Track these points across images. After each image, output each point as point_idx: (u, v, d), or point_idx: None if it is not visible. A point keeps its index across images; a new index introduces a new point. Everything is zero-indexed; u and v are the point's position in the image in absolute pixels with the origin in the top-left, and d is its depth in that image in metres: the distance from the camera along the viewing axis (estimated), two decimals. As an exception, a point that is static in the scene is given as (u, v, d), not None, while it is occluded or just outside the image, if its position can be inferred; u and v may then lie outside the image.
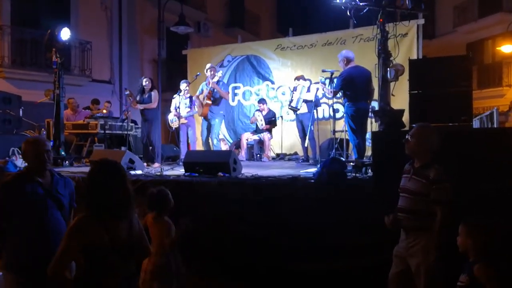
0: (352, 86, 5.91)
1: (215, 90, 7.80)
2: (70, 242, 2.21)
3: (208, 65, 8.17)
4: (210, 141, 8.05)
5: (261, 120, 8.69)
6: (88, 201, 2.28)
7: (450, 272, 2.62)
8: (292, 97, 7.92)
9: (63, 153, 7.15)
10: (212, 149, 7.87)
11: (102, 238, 2.18)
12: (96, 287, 2.21)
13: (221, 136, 9.77)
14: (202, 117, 8.09)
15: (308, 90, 7.76)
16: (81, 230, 2.21)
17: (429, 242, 2.82)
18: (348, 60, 6.14)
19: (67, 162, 7.13)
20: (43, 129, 8.26)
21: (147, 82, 7.52)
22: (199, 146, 9.40)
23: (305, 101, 7.67)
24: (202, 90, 7.99)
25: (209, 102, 7.80)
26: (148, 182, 4.98)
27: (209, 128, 7.97)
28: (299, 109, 7.74)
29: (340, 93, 6.29)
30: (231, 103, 10.03)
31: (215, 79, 7.79)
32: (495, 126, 7.94)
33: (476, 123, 8.23)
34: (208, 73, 7.92)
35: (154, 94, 7.48)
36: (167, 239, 3.29)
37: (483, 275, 2.21)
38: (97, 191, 2.26)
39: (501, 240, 2.29)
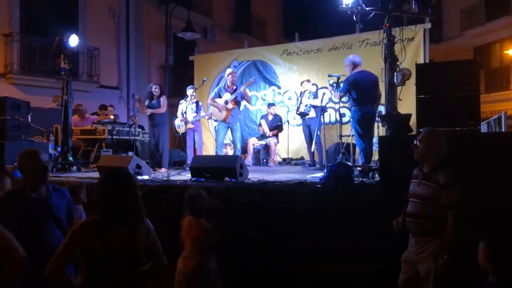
0: (358, 90, 5.90)
1: (244, 95, 7.83)
2: (68, 243, 2.25)
3: (229, 70, 8.19)
4: (227, 146, 8.13)
5: (266, 128, 8.74)
6: (98, 208, 2.29)
7: (459, 276, 2.60)
8: (300, 102, 7.92)
9: (71, 158, 7.20)
10: (235, 153, 7.81)
11: (95, 245, 2.18)
12: None
13: (226, 141, 9.79)
14: (222, 121, 7.90)
15: (315, 96, 7.77)
16: (79, 235, 2.24)
17: (439, 247, 2.80)
18: (354, 65, 6.13)
19: (75, 167, 7.18)
20: (51, 134, 8.33)
21: (156, 89, 7.57)
22: (205, 151, 9.43)
23: (313, 106, 7.69)
24: (218, 94, 7.92)
25: (235, 106, 7.76)
26: (155, 187, 5.00)
27: (225, 132, 7.93)
28: (308, 114, 7.75)
29: (346, 97, 6.28)
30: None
31: (248, 84, 7.90)
32: (503, 130, 7.88)
33: (484, 127, 8.17)
34: (230, 78, 7.89)
35: (163, 100, 7.52)
36: (203, 242, 3.24)
37: None
38: (103, 200, 2.27)
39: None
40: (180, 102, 8.30)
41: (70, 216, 2.98)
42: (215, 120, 10.09)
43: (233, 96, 7.72)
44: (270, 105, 9.02)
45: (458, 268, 2.61)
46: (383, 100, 5.79)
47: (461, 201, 2.80)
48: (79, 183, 4.41)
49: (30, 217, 2.68)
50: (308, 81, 8.11)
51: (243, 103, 8.24)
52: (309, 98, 7.76)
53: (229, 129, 7.87)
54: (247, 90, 7.86)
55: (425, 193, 2.92)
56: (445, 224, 2.79)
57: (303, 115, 7.88)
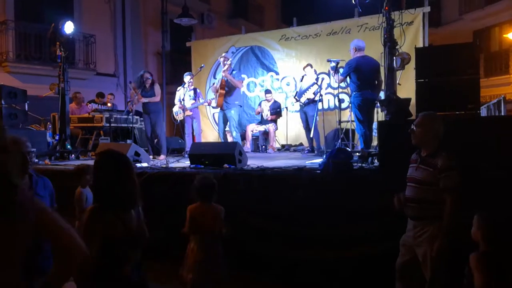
0: (359, 74, 5.86)
1: (228, 80, 7.61)
2: (92, 237, 2.13)
3: (223, 54, 8.08)
4: (228, 132, 7.93)
5: (267, 111, 8.66)
6: (97, 193, 2.28)
7: (457, 259, 2.61)
8: (306, 91, 7.81)
9: (69, 146, 7.18)
10: (232, 140, 7.67)
11: (118, 228, 2.18)
12: (113, 276, 2.20)
13: (226, 128, 9.76)
14: (219, 108, 7.82)
15: (317, 92, 7.61)
16: (99, 221, 2.19)
17: (436, 231, 2.81)
18: (357, 49, 6.08)
19: (73, 155, 7.16)
20: (48, 123, 8.30)
21: (148, 78, 7.39)
22: (204, 138, 9.41)
23: (311, 100, 7.65)
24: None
25: (223, 91, 7.54)
26: (154, 175, 4.99)
27: (225, 119, 7.78)
28: (306, 105, 7.72)
29: (345, 82, 6.24)
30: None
31: (225, 67, 7.60)
32: (502, 114, 7.86)
33: (483, 112, 8.15)
34: (221, 63, 7.78)
35: (157, 88, 7.44)
36: (214, 226, 3.29)
37: (472, 264, 2.24)
38: (105, 183, 2.25)
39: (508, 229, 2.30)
40: (178, 89, 8.26)
41: (52, 206, 2.92)
42: (213, 107, 10.08)
43: (219, 81, 7.61)
44: (266, 91, 8.95)
45: (456, 252, 2.62)
46: (383, 86, 5.76)
47: (460, 185, 2.80)
48: (86, 165, 4.42)
49: None
50: (311, 66, 8.04)
51: (242, 89, 8.18)
52: (314, 94, 7.65)
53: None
54: (228, 74, 7.54)
55: (422, 177, 2.92)
56: (443, 208, 2.80)
57: (301, 104, 7.84)
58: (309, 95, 7.71)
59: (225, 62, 7.68)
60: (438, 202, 2.82)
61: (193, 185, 3.39)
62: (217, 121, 10.29)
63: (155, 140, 7.38)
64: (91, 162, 6.22)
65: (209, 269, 3.22)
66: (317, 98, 7.50)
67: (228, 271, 3.35)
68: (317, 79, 7.92)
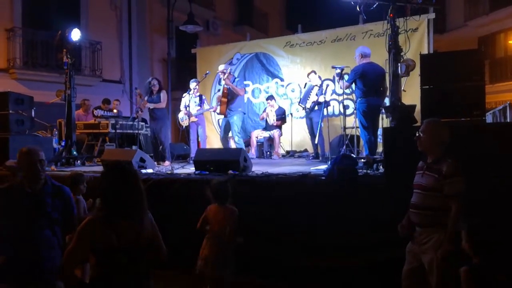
0: (365, 81, 5.88)
1: (230, 88, 7.68)
2: (79, 242, 2.23)
3: (221, 67, 8.08)
4: (231, 138, 7.95)
5: (272, 116, 8.67)
6: (102, 202, 2.32)
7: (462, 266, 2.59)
8: (308, 95, 7.83)
9: (75, 152, 7.22)
10: (234, 146, 7.73)
11: (110, 239, 2.20)
12: (105, 286, 2.23)
13: (230, 134, 9.77)
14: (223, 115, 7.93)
15: (321, 93, 7.67)
16: (91, 231, 2.23)
17: (442, 238, 2.79)
18: (363, 56, 6.10)
19: (79, 161, 7.20)
20: (55, 129, 8.35)
21: (155, 84, 7.49)
22: (209, 144, 9.42)
23: (316, 103, 7.65)
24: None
25: (225, 99, 7.66)
26: (159, 181, 5.00)
27: (227, 126, 7.83)
28: (312, 110, 7.72)
29: (350, 89, 6.25)
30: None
31: (225, 76, 7.68)
32: (508, 120, 7.84)
33: (489, 118, 8.13)
34: (221, 77, 7.84)
35: (163, 95, 7.50)
36: (226, 229, 3.47)
37: (462, 278, 2.23)
38: (109, 194, 2.29)
39: (498, 242, 2.27)
40: (183, 95, 8.29)
41: (68, 214, 3.02)
42: (218, 114, 10.11)
43: (221, 90, 7.68)
44: (269, 98, 8.93)
45: (462, 259, 2.60)
46: (388, 93, 5.76)
47: (465, 191, 2.78)
48: (80, 174, 4.44)
49: (22, 211, 2.77)
50: (315, 72, 8.05)
51: (246, 96, 8.20)
52: (317, 95, 7.69)
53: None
54: (229, 81, 7.62)
55: (427, 183, 2.91)
56: (448, 215, 2.78)
57: (307, 110, 7.84)
58: (312, 98, 7.72)
59: (224, 73, 7.71)
60: (443, 208, 2.80)
61: (209, 187, 3.64)
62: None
63: (160, 146, 7.41)
64: (97, 168, 6.27)
65: (215, 265, 3.38)
66: (321, 100, 7.50)
67: (235, 272, 3.50)
68: (321, 85, 7.92)
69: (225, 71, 7.76)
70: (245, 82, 10.16)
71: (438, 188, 2.84)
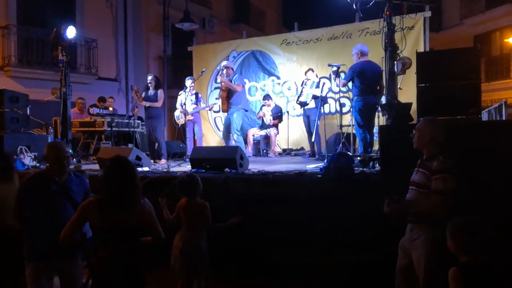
0: (362, 79, 5.90)
1: (225, 83, 7.59)
2: (76, 216, 2.72)
3: (224, 63, 7.97)
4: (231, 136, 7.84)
5: (269, 115, 8.67)
6: (102, 190, 2.69)
7: (452, 265, 2.59)
8: (301, 91, 7.86)
9: (70, 151, 7.18)
10: (234, 144, 7.64)
11: (95, 220, 2.63)
12: (102, 261, 2.64)
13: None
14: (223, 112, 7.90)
15: (317, 86, 7.70)
16: (85, 210, 2.69)
17: (431, 236, 2.80)
18: (361, 54, 6.12)
19: (74, 159, 7.17)
20: (50, 127, 8.31)
21: (152, 80, 7.52)
22: (205, 142, 9.41)
23: (314, 96, 7.64)
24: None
25: (223, 95, 7.61)
26: (155, 179, 4.99)
27: (227, 123, 7.68)
28: (308, 104, 7.71)
29: (346, 87, 6.26)
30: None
31: (224, 71, 7.60)
32: (503, 118, 7.87)
33: (484, 116, 8.15)
34: (224, 72, 7.68)
35: (160, 93, 7.48)
36: (198, 220, 3.55)
37: (449, 278, 2.21)
38: (105, 181, 2.68)
39: (485, 241, 2.24)
40: (179, 93, 8.27)
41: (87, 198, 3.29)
42: (214, 112, 10.09)
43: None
44: (264, 97, 8.90)
45: (450, 257, 2.59)
46: (384, 91, 5.78)
47: (453, 189, 2.75)
48: (82, 170, 4.56)
49: (49, 196, 3.06)
50: (312, 70, 8.04)
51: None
52: (311, 87, 7.71)
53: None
54: (223, 78, 7.55)
55: (420, 180, 2.93)
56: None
57: (303, 105, 7.83)
58: (307, 90, 7.71)
59: (227, 68, 7.63)
60: (434, 206, 2.79)
61: (177, 182, 3.78)
62: (218, 126, 10.35)
63: (156, 145, 7.39)
64: (92, 166, 6.25)
65: (190, 260, 3.45)
66: (317, 93, 7.50)
67: (211, 266, 3.57)
68: (318, 82, 7.92)
69: (229, 66, 7.69)
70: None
71: (428, 184, 2.85)
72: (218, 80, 7.75)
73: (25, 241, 3.04)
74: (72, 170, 3.41)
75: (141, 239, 2.80)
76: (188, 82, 8.03)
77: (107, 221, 2.61)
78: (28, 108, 7.01)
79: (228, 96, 7.55)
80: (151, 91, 7.49)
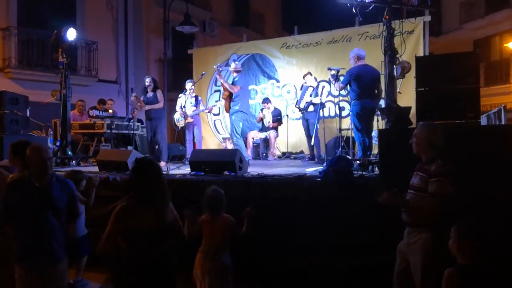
0: (359, 83, 5.90)
1: (223, 83, 7.60)
2: (113, 226, 2.67)
3: (233, 65, 7.93)
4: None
5: (269, 118, 8.67)
6: (132, 193, 2.71)
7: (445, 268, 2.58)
8: (302, 96, 7.84)
9: (70, 153, 7.19)
10: (233, 147, 7.56)
11: (139, 224, 2.61)
12: (130, 263, 2.64)
13: (226, 135, 9.76)
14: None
15: (316, 95, 7.68)
16: (120, 216, 2.66)
17: (428, 240, 2.80)
18: (358, 58, 6.12)
19: (74, 161, 7.17)
20: (50, 129, 8.31)
21: (149, 82, 7.49)
22: (205, 145, 9.41)
23: (311, 103, 7.65)
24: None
25: (225, 94, 7.62)
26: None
27: (231, 123, 7.51)
28: (307, 110, 7.73)
29: (345, 90, 6.27)
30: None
31: (223, 73, 7.64)
32: (503, 123, 7.88)
33: (483, 121, 8.16)
34: (233, 73, 7.66)
35: (159, 94, 7.46)
36: (222, 238, 3.34)
37: (444, 279, 2.22)
38: (135, 185, 2.71)
39: (490, 243, 2.25)
40: (179, 96, 8.28)
41: (72, 206, 3.24)
42: (214, 114, 10.10)
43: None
44: (264, 101, 8.88)
45: (446, 261, 2.59)
46: (383, 95, 5.78)
47: (450, 192, 2.75)
48: (78, 171, 4.61)
49: (29, 202, 3.00)
50: (311, 74, 8.06)
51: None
52: (310, 96, 7.71)
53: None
54: (221, 78, 7.57)
55: (418, 184, 2.94)
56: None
57: (302, 110, 7.85)
58: (306, 98, 7.73)
59: (236, 71, 7.55)
60: (432, 210, 2.80)
61: (203, 198, 3.46)
62: (218, 129, 10.36)
63: (156, 147, 7.39)
64: (92, 168, 6.25)
65: (214, 278, 3.24)
66: (316, 101, 7.50)
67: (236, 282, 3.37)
68: (317, 86, 7.93)
69: (238, 69, 7.61)
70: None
71: (425, 187, 2.85)
72: (217, 78, 7.70)
73: (14, 243, 3.05)
74: (60, 173, 3.38)
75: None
76: (188, 85, 8.04)
77: (143, 224, 2.62)
78: (28, 110, 6.99)
79: (230, 96, 7.54)
80: (149, 94, 7.47)
